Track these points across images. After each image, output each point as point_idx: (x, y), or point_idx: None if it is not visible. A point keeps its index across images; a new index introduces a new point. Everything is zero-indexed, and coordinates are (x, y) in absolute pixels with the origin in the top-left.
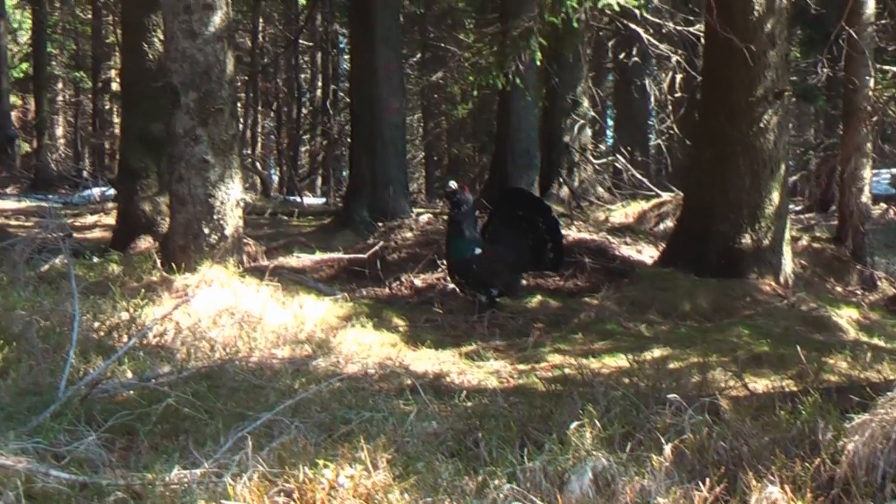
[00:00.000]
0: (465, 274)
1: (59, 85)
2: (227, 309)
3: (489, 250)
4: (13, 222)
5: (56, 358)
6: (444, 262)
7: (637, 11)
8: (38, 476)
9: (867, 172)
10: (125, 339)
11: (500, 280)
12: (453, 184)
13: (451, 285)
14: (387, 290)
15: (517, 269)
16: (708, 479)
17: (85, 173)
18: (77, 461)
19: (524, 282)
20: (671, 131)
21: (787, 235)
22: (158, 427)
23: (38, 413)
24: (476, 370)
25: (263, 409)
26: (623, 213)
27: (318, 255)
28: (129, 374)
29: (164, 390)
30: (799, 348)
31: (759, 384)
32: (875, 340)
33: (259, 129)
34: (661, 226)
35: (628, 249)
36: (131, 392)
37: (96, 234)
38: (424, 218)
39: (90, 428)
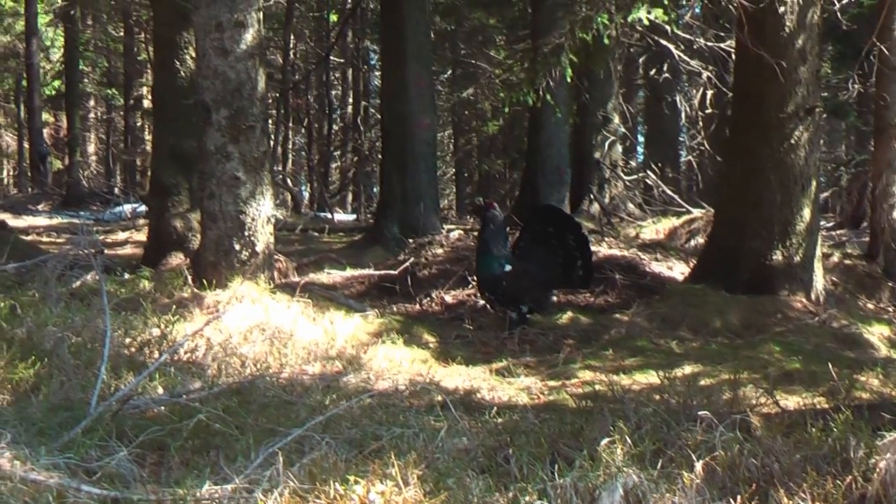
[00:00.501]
0: (495, 290)
1: (91, 102)
2: (257, 325)
3: (518, 266)
4: (45, 239)
5: (87, 374)
6: (475, 278)
7: (668, 27)
8: (69, 491)
9: None
10: (156, 355)
11: (529, 296)
12: (480, 200)
13: (482, 301)
14: (417, 306)
15: (547, 285)
16: (739, 497)
17: (116, 190)
18: (108, 476)
19: (554, 298)
20: (702, 147)
21: (818, 252)
22: (189, 443)
23: (70, 429)
24: (507, 386)
25: (294, 425)
26: (654, 229)
27: (349, 272)
28: (161, 390)
29: (195, 406)
30: (830, 365)
31: (791, 401)
32: None
33: (290, 146)
34: (692, 242)
35: (659, 266)
36: (162, 408)
37: (128, 250)
38: (455, 234)
39: (121, 443)
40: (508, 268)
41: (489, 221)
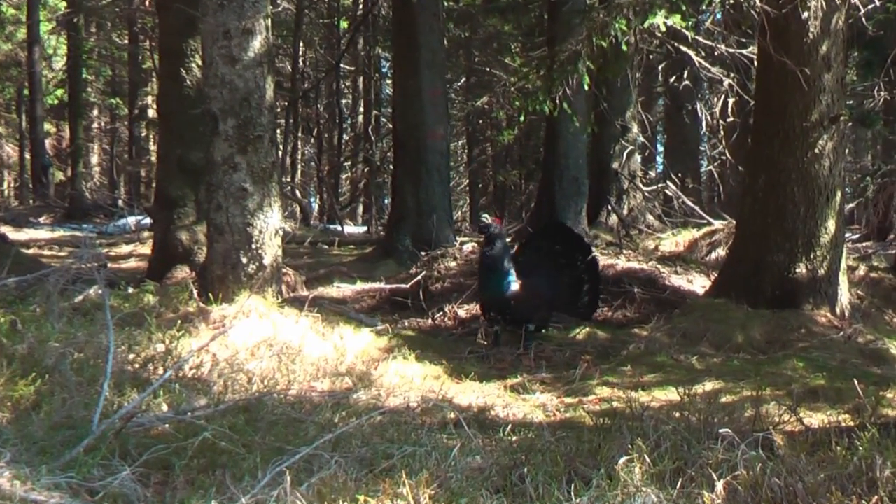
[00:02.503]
0: (503, 310)
1: (95, 112)
2: (265, 340)
3: (525, 284)
4: (47, 252)
5: (90, 391)
6: (479, 297)
7: (687, 33)
8: None
9: None
10: (161, 371)
11: (538, 315)
12: (487, 217)
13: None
14: (430, 320)
15: (552, 305)
16: None
17: (120, 202)
18: (111, 496)
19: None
20: (723, 157)
21: (843, 265)
22: (195, 461)
23: (72, 447)
24: (522, 403)
25: (302, 444)
26: (674, 241)
27: (360, 285)
28: (165, 408)
29: (201, 424)
30: (856, 382)
31: (815, 419)
32: None
33: (299, 156)
34: (713, 255)
35: (679, 279)
36: (167, 425)
37: (132, 263)
38: (468, 247)
39: (125, 462)
40: (516, 286)
41: (493, 239)
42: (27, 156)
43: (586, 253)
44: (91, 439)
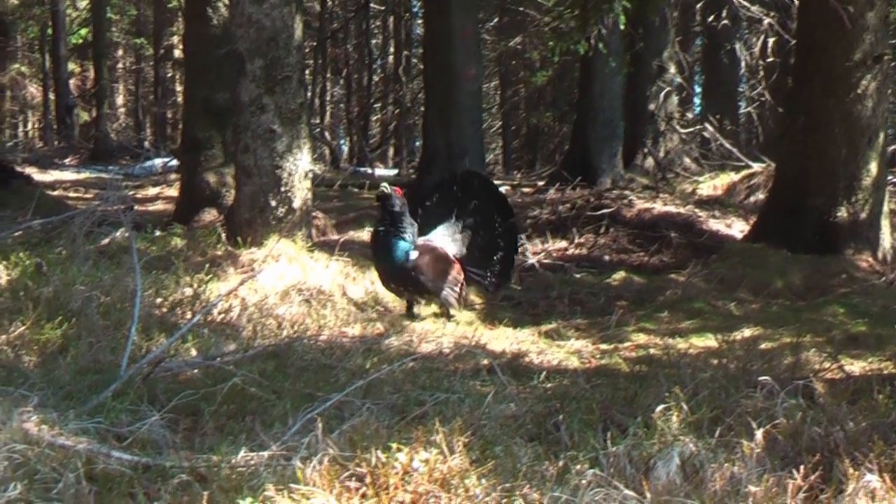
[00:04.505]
0: (405, 283)
1: (120, 52)
2: (294, 285)
3: (427, 247)
4: (72, 194)
5: (117, 335)
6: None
7: None
8: (99, 457)
9: None
10: (189, 315)
11: (447, 284)
12: (387, 187)
13: (530, 261)
14: None
15: (464, 269)
16: (802, 467)
17: (146, 144)
18: (140, 442)
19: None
20: (762, 98)
21: (885, 208)
22: (224, 407)
23: (99, 392)
24: (556, 350)
25: (333, 390)
26: (711, 185)
27: None
28: (193, 353)
29: (230, 369)
30: None
31: (856, 366)
32: None
33: (328, 98)
34: (752, 198)
35: (717, 223)
36: (195, 371)
37: (158, 206)
38: (502, 190)
39: (153, 408)
40: (415, 255)
41: (392, 209)
42: (51, 96)
43: (507, 215)
44: (119, 384)
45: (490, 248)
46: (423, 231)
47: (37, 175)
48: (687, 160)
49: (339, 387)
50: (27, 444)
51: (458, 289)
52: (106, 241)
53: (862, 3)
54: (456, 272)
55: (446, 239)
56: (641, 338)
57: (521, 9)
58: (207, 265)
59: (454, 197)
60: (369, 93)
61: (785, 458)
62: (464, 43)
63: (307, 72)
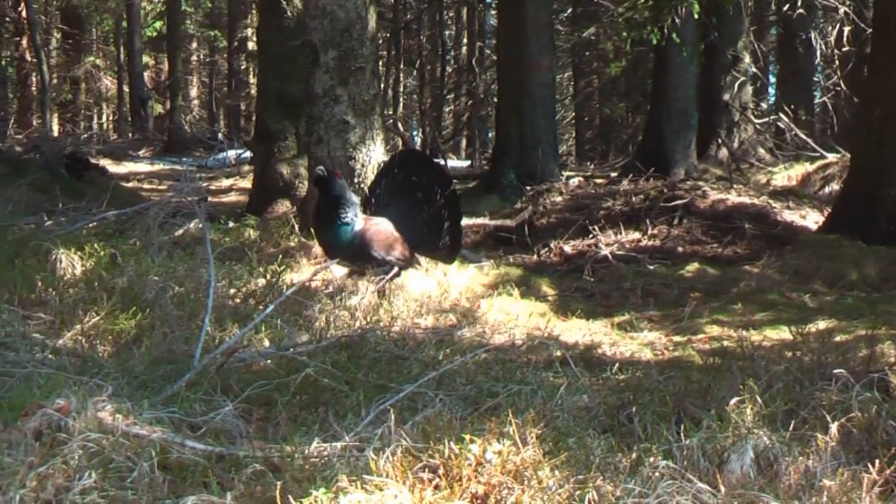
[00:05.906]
0: (354, 257)
1: (194, 44)
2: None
3: (374, 223)
4: (146, 185)
5: (191, 325)
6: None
7: None
8: (173, 447)
9: None
10: (262, 306)
11: (395, 254)
12: (323, 170)
13: (603, 252)
14: (535, 256)
15: (410, 244)
16: (877, 461)
17: (220, 135)
18: (213, 432)
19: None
20: (838, 88)
21: None
22: (297, 398)
23: (173, 382)
24: (629, 341)
25: (406, 381)
26: (785, 175)
27: (463, 221)
28: (267, 343)
29: (303, 360)
30: None
31: None
32: None
33: (401, 89)
34: (827, 189)
35: (791, 214)
36: (268, 361)
37: (232, 197)
38: (575, 181)
39: (226, 398)
40: (359, 227)
41: (330, 190)
42: (125, 89)
43: (446, 185)
44: (192, 374)
45: (437, 222)
46: (375, 210)
47: (111, 167)
48: (761, 150)
49: (412, 378)
50: (102, 434)
51: (404, 256)
52: (180, 232)
53: None
54: (401, 245)
55: (396, 216)
56: (715, 330)
57: None
58: (280, 256)
59: (397, 181)
60: (442, 84)
61: (860, 451)
62: (537, 34)
63: (380, 63)
